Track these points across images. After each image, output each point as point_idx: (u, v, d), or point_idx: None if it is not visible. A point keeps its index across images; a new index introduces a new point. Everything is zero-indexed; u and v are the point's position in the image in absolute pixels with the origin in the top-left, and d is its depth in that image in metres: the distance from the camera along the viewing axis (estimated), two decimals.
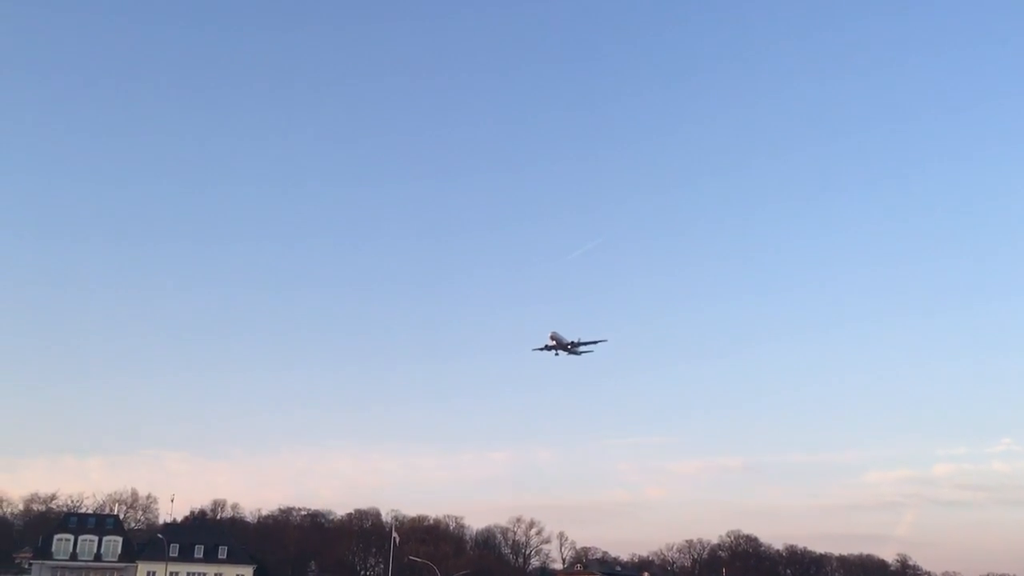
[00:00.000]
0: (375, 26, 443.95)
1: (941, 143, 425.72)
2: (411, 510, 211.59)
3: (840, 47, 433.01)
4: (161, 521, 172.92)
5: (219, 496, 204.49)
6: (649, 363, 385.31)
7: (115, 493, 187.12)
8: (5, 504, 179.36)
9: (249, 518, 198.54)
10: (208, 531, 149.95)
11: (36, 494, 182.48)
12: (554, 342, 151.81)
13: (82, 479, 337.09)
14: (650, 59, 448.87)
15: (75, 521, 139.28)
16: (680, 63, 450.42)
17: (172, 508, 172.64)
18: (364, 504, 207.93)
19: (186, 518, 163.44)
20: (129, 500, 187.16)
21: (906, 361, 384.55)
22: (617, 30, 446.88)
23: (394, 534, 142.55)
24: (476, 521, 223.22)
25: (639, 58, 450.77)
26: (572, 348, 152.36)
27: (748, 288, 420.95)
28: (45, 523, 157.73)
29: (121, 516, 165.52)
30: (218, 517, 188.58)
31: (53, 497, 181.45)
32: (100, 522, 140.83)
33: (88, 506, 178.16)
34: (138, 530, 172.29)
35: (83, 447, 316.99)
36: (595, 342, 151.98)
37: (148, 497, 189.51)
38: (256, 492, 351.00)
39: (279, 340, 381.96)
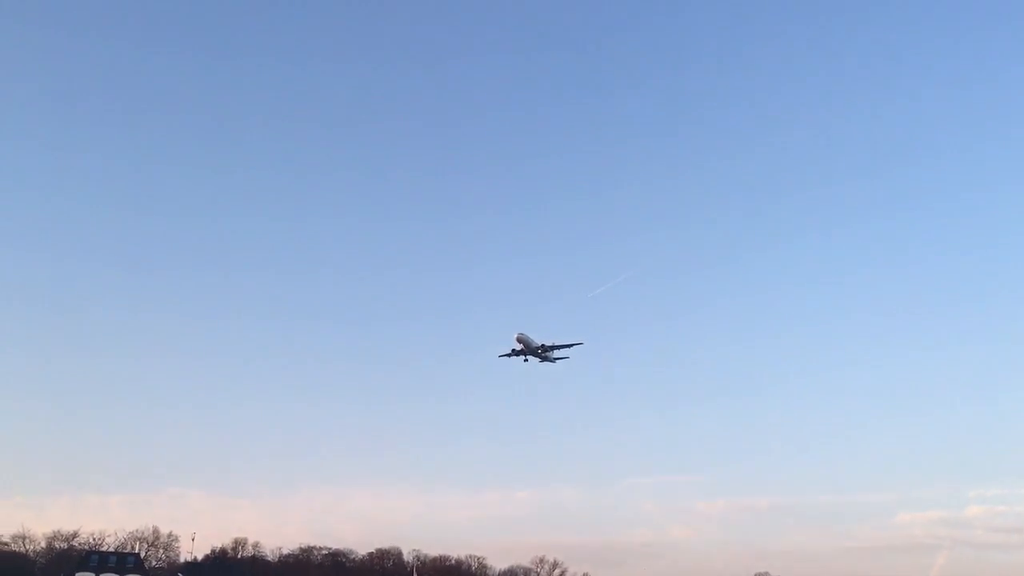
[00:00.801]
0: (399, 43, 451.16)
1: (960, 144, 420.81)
2: (433, 549, 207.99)
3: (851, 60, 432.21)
4: (182, 559, 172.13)
5: (240, 534, 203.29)
6: (675, 401, 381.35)
7: (136, 531, 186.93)
8: (28, 542, 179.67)
9: (270, 556, 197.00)
10: (228, 570, 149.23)
11: (59, 532, 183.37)
12: (521, 345, 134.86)
13: (104, 517, 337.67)
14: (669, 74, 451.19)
15: (96, 560, 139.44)
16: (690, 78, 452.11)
17: (192, 546, 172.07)
18: (385, 543, 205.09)
19: (207, 556, 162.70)
20: (150, 538, 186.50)
21: (938, 401, 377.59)
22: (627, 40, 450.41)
23: (415, 574, 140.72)
24: (498, 561, 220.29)
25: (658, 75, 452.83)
26: (543, 353, 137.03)
27: (778, 324, 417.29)
28: (67, 561, 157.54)
29: (142, 554, 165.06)
30: (239, 556, 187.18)
31: (75, 535, 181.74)
32: (121, 561, 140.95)
33: (110, 544, 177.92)
34: (159, 568, 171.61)
35: (106, 485, 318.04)
36: (569, 345, 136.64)
37: (169, 535, 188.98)
38: (277, 530, 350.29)
39: (300, 380, 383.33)
